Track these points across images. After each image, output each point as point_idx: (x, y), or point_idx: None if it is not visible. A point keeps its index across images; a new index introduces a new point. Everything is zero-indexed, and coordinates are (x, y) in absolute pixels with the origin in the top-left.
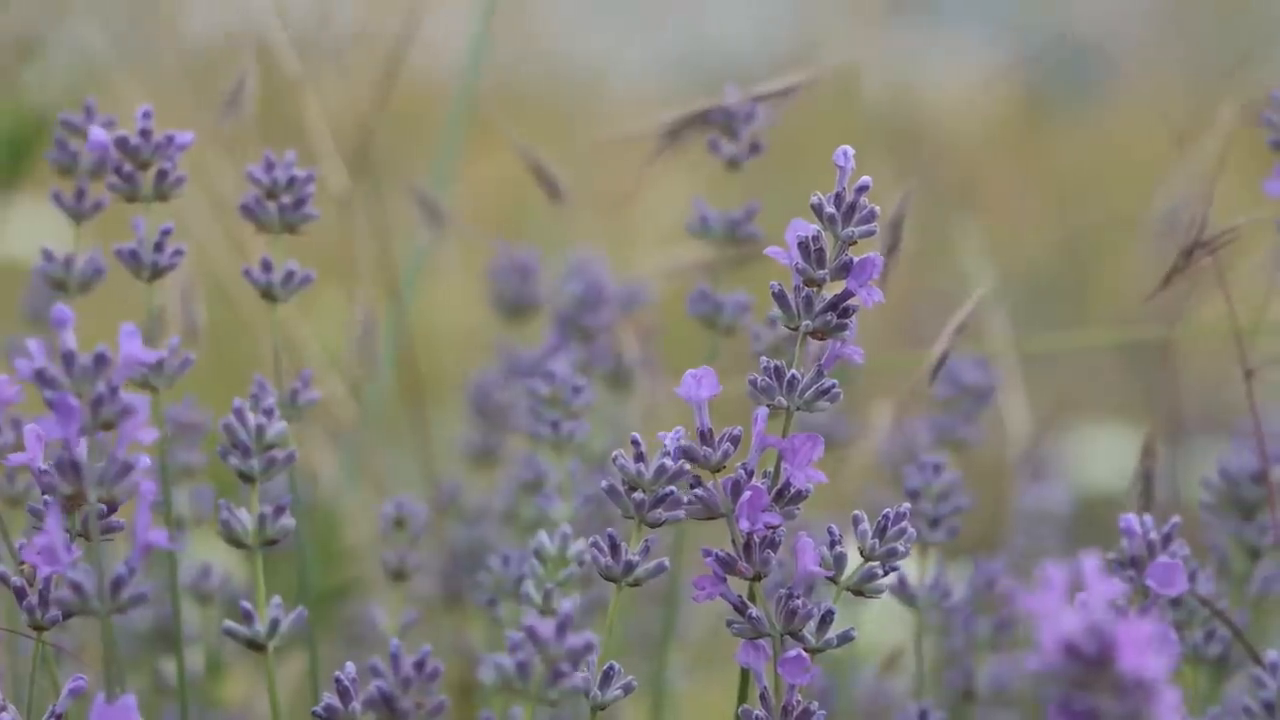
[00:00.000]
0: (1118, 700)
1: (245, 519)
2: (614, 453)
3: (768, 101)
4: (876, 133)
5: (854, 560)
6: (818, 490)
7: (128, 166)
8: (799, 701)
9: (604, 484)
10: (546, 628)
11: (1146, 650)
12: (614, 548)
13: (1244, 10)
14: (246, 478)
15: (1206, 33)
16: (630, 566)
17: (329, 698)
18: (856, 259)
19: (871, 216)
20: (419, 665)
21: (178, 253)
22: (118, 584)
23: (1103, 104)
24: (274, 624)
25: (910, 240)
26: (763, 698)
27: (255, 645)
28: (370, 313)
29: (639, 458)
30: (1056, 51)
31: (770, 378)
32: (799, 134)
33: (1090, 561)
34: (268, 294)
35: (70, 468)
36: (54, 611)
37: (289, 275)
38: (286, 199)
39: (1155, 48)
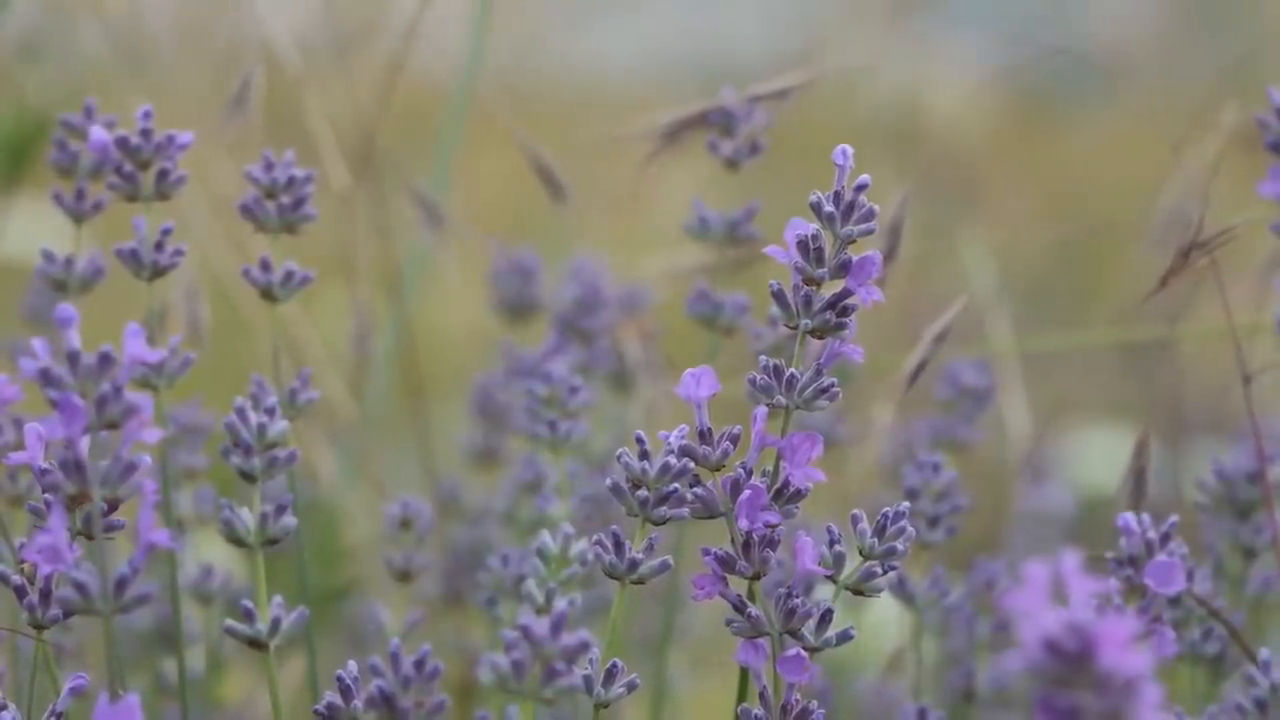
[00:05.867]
0: (1099, 697)
1: (247, 518)
2: (619, 450)
3: (767, 101)
4: (880, 133)
5: (854, 560)
6: (818, 490)
7: (129, 166)
8: (798, 700)
9: (609, 482)
10: (541, 626)
11: (1127, 647)
12: (618, 545)
13: (1245, 16)
14: (248, 476)
15: (1208, 37)
16: (635, 564)
17: (330, 696)
18: (855, 258)
19: (870, 215)
20: (419, 664)
21: (178, 252)
22: (121, 584)
23: (1104, 107)
24: (275, 623)
25: (912, 241)
26: (762, 697)
27: (257, 644)
28: (367, 312)
29: (643, 455)
30: (1059, 55)
31: (769, 376)
32: (806, 135)
33: (1070, 560)
34: (267, 294)
35: (75, 467)
36: (55, 610)
37: (288, 275)
38: (285, 199)
39: (1157, 52)
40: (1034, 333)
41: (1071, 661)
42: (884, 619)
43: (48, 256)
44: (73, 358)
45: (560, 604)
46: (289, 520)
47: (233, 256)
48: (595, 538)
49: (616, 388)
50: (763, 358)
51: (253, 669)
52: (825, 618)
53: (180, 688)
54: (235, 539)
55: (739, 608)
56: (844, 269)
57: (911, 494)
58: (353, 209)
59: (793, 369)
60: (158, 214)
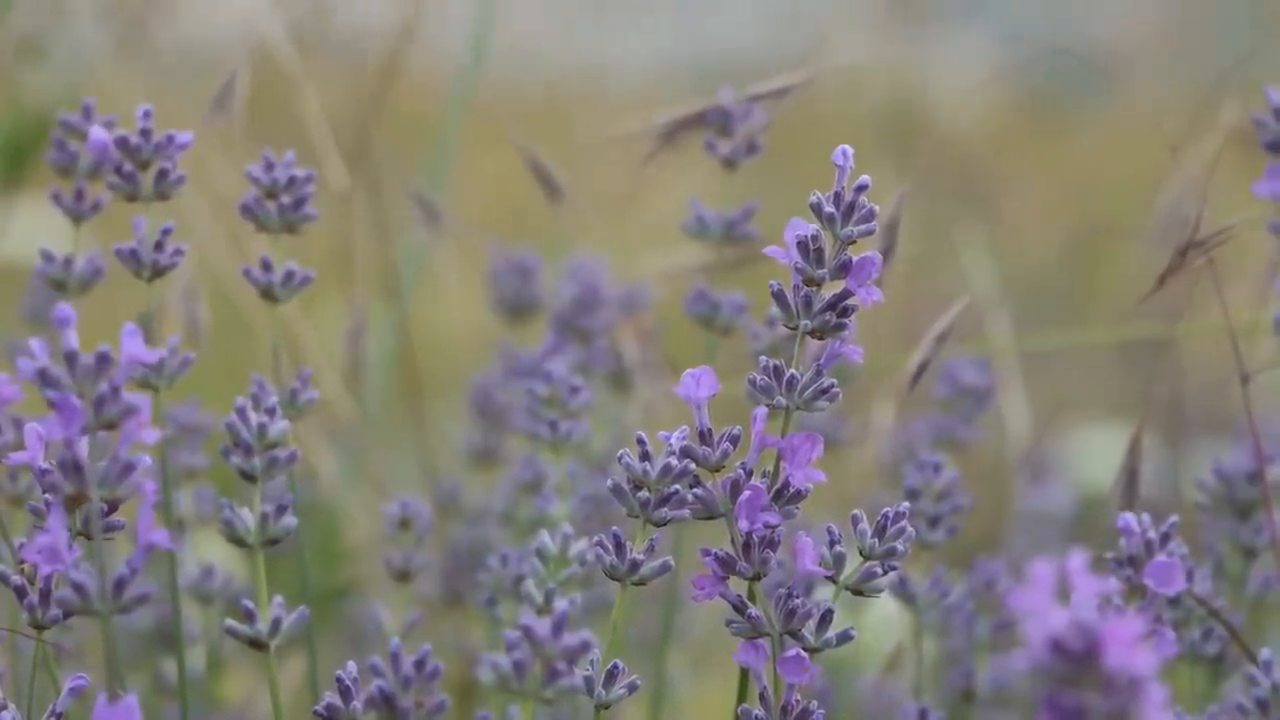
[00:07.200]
0: (1105, 697)
1: (247, 518)
2: (620, 451)
3: (764, 101)
4: (880, 133)
5: (854, 560)
6: (818, 490)
7: (128, 166)
8: (798, 701)
9: (610, 483)
10: (542, 626)
11: (1133, 647)
12: (619, 546)
13: (1248, 16)
14: (249, 476)
15: (1211, 37)
16: (635, 565)
17: (330, 696)
18: (855, 258)
19: (870, 215)
20: (419, 664)
21: (178, 252)
22: (120, 584)
23: (1105, 106)
24: (276, 623)
25: (915, 241)
26: (762, 697)
27: (257, 644)
28: (362, 312)
29: (644, 457)
30: (1062, 55)
31: (769, 377)
32: (806, 135)
33: (1077, 559)
34: (267, 294)
35: (73, 467)
36: (55, 610)
37: (288, 275)
38: (286, 199)
39: (1160, 52)
40: (1034, 332)
41: (1077, 660)
42: (884, 619)
43: (47, 256)
44: (70, 358)
45: (561, 604)
46: (289, 520)
47: (233, 256)
48: (596, 539)
49: (614, 387)
50: (763, 358)
51: (253, 669)
52: (825, 618)
53: (180, 688)
54: (236, 539)
55: (739, 608)
56: (844, 269)
57: (912, 494)
58: (351, 209)
59: (793, 370)
60: (157, 214)
